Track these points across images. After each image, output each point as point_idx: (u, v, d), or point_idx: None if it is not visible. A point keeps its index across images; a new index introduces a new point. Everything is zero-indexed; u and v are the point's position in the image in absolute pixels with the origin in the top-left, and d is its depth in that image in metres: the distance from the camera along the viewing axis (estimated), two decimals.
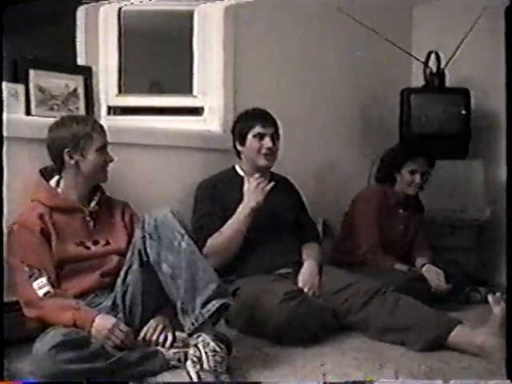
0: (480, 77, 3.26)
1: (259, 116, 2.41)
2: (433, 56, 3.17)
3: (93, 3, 2.50)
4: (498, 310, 1.88)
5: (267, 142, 2.38)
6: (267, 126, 2.39)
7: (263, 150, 2.38)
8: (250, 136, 2.39)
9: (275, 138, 2.41)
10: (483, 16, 2.99)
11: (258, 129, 2.38)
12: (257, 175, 2.29)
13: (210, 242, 2.26)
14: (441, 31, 3.38)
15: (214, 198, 2.38)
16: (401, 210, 2.81)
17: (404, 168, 2.74)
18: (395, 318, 2.04)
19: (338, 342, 2.04)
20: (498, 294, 1.95)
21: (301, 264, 2.36)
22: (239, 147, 2.45)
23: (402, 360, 1.87)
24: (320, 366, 1.79)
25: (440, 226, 3.05)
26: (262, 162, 2.40)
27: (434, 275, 2.59)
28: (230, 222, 2.27)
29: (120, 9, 2.63)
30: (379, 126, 3.26)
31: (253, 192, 2.24)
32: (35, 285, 1.77)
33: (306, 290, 2.22)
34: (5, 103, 1.93)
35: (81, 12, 2.52)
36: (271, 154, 2.40)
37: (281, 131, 2.46)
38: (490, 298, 1.91)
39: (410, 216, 2.85)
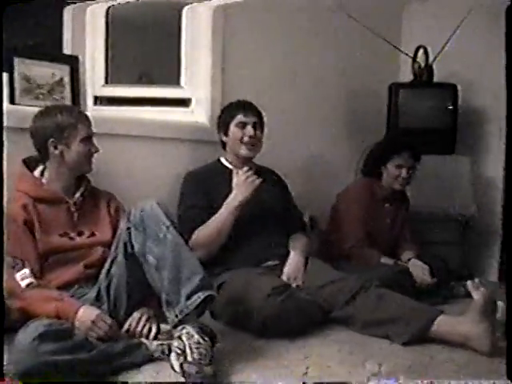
0: (468, 72, 3.27)
1: (241, 106, 2.44)
2: (421, 51, 3.17)
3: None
4: (477, 295, 1.88)
5: (249, 130, 2.39)
6: (249, 114, 2.41)
7: (245, 139, 2.40)
8: (232, 125, 2.42)
9: (257, 127, 2.43)
10: (472, 12, 2.99)
11: (239, 117, 2.41)
12: (246, 168, 2.29)
13: (196, 233, 2.25)
14: (430, 26, 3.38)
15: (200, 190, 2.37)
16: (387, 204, 2.82)
17: (390, 162, 2.75)
18: (379, 312, 2.04)
19: (323, 335, 2.03)
20: (476, 279, 1.95)
21: (288, 256, 2.35)
22: (223, 138, 2.46)
23: (386, 353, 1.87)
24: (304, 359, 1.79)
25: (426, 220, 3.06)
26: (244, 151, 2.41)
27: (419, 270, 2.60)
28: (217, 214, 2.26)
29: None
30: (367, 120, 3.26)
31: (241, 185, 2.24)
32: (18, 276, 1.76)
33: (290, 281, 2.22)
34: None
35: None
36: (253, 143, 2.41)
37: (267, 124, 2.47)
38: (469, 284, 1.92)
39: (397, 210, 2.85)
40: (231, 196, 2.26)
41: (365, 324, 2.06)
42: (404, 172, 2.73)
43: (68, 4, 2.47)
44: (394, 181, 2.76)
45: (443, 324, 1.93)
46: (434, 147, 3.08)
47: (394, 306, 2.04)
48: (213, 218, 2.26)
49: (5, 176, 1.86)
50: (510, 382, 1.54)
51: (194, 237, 2.23)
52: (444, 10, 3.33)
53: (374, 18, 3.18)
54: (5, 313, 1.65)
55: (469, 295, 2.08)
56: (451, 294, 2.69)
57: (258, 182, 2.25)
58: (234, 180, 2.27)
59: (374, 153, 2.84)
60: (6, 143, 1.90)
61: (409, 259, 2.69)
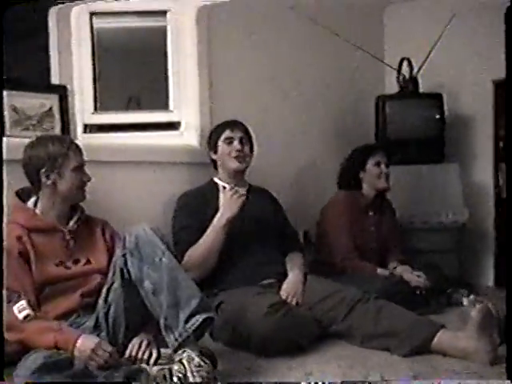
0: (452, 81, 3.31)
1: (227, 123, 2.51)
2: (405, 63, 3.21)
3: (65, 6, 2.48)
4: (474, 312, 1.89)
5: (236, 144, 2.46)
6: (235, 130, 2.48)
7: (233, 153, 2.45)
8: (220, 142, 2.48)
9: (244, 141, 2.49)
10: (453, 21, 3.04)
11: (227, 133, 2.48)
12: (231, 186, 2.32)
13: (187, 255, 2.26)
14: (412, 38, 3.43)
15: (193, 211, 2.39)
16: (371, 213, 2.84)
17: (368, 164, 2.80)
18: (379, 325, 2.06)
19: (322, 350, 2.04)
20: (471, 296, 1.96)
21: (284, 274, 2.37)
22: (213, 156, 2.52)
23: (387, 365, 1.88)
24: (305, 376, 1.80)
25: (419, 229, 3.08)
26: (233, 164, 2.46)
27: (410, 274, 2.61)
28: (206, 233, 2.28)
29: (92, 26, 2.62)
30: (356, 133, 3.27)
31: (228, 203, 2.27)
32: (15, 308, 1.75)
33: (289, 299, 2.23)
34: None
35: (52, 30, 2.52)
36: (242, 156, 2.46)
37: (257, 141, 2.53)
38: (465, 301, 1.93)
39: (381, 218, 2.87)
40: (218, 215, 2.28)
41: (365, 337, 2.07)
42: (383, 167, 2.78)
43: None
44: (377, 180, 2.79)
45: (443, 338, 1.95)
46: (424, 157, 3.12)
47: (394, 318, 2.06)
48: (202, 237, 2.28)
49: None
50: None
51: (186, 258, 2.23)
52: (424, 21, 3.38)
53: (357, 32, 3.23)
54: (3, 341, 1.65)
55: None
56: (448, 302, 2.71)
57: (243, 198, 2.27)
58: (221, 198, 2.30)
59: (349, 162, 2.88)
60: None
61: (394, 267, 2.72)
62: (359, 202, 2.81)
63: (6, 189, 1.96)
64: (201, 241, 2.28)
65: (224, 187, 2.34)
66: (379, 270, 2.66)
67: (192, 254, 2.26)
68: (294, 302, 2.23)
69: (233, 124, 2.50)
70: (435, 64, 3.17)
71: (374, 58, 3.22)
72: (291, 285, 2.30)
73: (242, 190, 2.31)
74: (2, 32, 1.71)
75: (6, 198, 1.95)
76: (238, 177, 2.50)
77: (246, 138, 2.50)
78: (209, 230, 2.28)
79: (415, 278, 2.60)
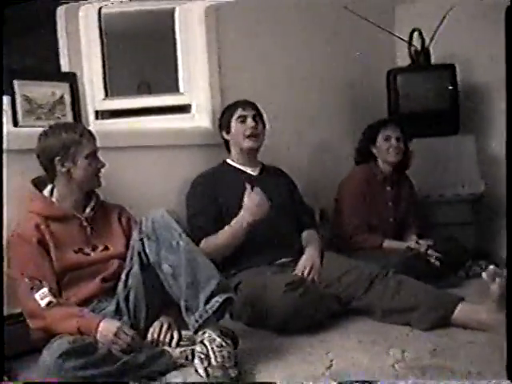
0: (465, 51, 3.25)
1: (239, 102, 2.51)
2: (416, 34, 3.16)
3: (71, 2, 2.48)
4: (494, 285, 1.88)
5: (249, 122, 2.45)
6: (248, 108, 2.48)
7: (247, 132, 2.45)
8: (233, 121, 2.48)
9: (258, 119, 2.48)
10: None
11: (239, 112, 2.47)
12: (258, 189, 2.25)
13: (204, 243, 2.25)
14: (423, 8, 3.37)
15: (207, 194, 2.39)
16: (388, 188, 2.82)
17: (378, 138, 2.79)
18: (399, 300, 2.06)
19: (343, 327, 2.05)
20: (491, 267, 1.94)
21: (301, 252, 2.37)
22: (226, 136, 2.51)
23: (408, 340, 1.88)
24: (326, 352, 1.80)
25: (436, 202, 3.06)
26: (247, 143, 2.46)
27: (426, 250, 2.60)
28: (226, 230, 2.26)
29: (100, 11, 2.61)
30: (369, 108, 3.24)
31: (252, 207, 2.22)
32: (37, 296, 1.77)
33: (305, 274, 2.23)
34: None
35: (60, 17, 2.51)
36: (255, 135, 2.46)
37: (269, 122, 2.52)
38: (484, 275, 1.92)
39: (399, 193, 2.85)
40: (241, 215, 2.23)
41: (385, 312, 2.07)
42: (393, 141, 2.76)
43: (61, 3, 2.45)
44: (387, 154, 2.77)
45: (463, 311, 1.95)
46: (438, 129, 3.09)
47: (414, 293, 2.06)
48: (221, 232, 2.26)
49: (12, 198, 1.90)
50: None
51: (202, 245, 2.22)
52: None
53: (367, 5, 3.18)
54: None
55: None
56: (467, 274, 2.70)
57: (268, 205, 2.23)
58: (246, 198, 2.24)
59: (363, 139, 2.87)
60: (13, 165, 1.94)
61: (415, 241, 2.70)
62: (376, 177, 2.80)
63: (22, 179, 2.00)
64: (219, 234, 2.27)
65: (251, 187, 2.26)
66: (386, 243, 2.65)
67: (208, 245, 2.24)
68: (310, 278, 2.23)
69: (245, 103, 2.49)
70: (447, 34, 3.12)
71: (384, 30, 3.16)
72: (307, 261, 2.30)
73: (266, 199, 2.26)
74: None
75: (22, 187, 1.98)
76: (251, 156, 2.50)
77: (259, 117, 2.50)
78: (229, 228, 2.25)
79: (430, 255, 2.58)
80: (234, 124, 2.47)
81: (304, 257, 2.33)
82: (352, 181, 2.79)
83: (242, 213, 2.24)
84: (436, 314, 1.97)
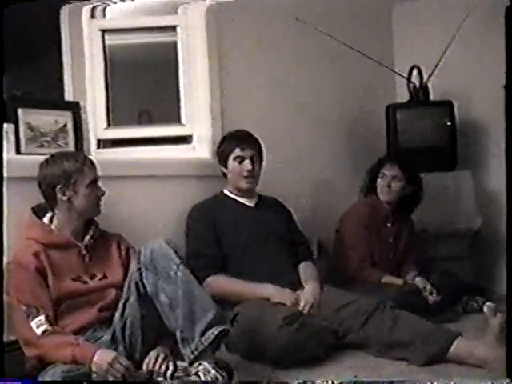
0: (463, 87, 3.30)
1: (239, 138, 2.47)
2: (415, 71, 3.22)
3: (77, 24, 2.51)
4: (495, 321, 1.88)
5: (247, 164, 2.43)
6: (246, 148, 2.44)
7: (244, 173, 2.43)
8: (230, 159, 2.46)
9: (255, 160, 2.46)
10: (462, 28, 3.04)
11: (237, 152, 2.44)
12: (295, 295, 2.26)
13: (217, 284, 2.25)
14: (422, 45, 3.43)
15: (206, 222, 2.40)
16: (389, 224, 2.83)
17: (379, 176, 2.81)
18: (396, 335, 2.05)
19: (339, 361, 2.04)
20: (492, 304, 1.94)
21: (297, 284, 2.37)
22: (223, 169, 2.51)
23: (404, 375, 1.88)
24: None
25: (433, 237, 3.07)
26: (244, 184, 2.45)
27: (424, 286, 2.60)
28: (248, 286, 2.26)
29: (104, 43, 2.66)
30: (368, 142, 3.29)
31: (281, 294, 2.24)
32: (33, 324, 1.77)
33: (305, 310, 2.22)
34: None
35: (66, 47, 2.56)
36: (252, 176, 2.45)
37: (269, 152, 2.53)
38: (485, 309, 1.92)
39: (400, 230, 2.87)
40: (267, 286, 2.25)
41: (381, 346, 2.06)
42: (387, 180, 2.77)
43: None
44: (381, 193, 2.79)
45: (460, 347, 1.94)
46: (436, 164, 3.12)
47: (411, 327, 2.06)
48: (241, 284, 2.26)
49: (12, 225, 1.90)
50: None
51: (212, 283, 2.23)
52: (434, 28, 3.39)
53: (367, 41, 3.24)
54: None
55: (481, 310, 2.08)
56: (463, 309, 2.70)
57: (294, 297, 2.24)
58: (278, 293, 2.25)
59: (366, 174, 2.90)
60: (14, 192, 1.95)
61: (413, 279, 2.70)
62: (378, 213, 2.81)
63: (23, 206, 2.01)
64: (237, 285, 2.27)
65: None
66: (384, 278, 2.65)
67: (215, 286, 2.23)
68: (308, 312, 2.21)
69: (243, 140, 2.46)
70: (445, 71, 3.17)
71: (384, 67, 3.22)
72: (309, 297, 2.28)
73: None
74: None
75: (22, 214, 1.99)
76: (248, 192, 2.51)
77: (257, 155, 2.47)
78: (250, 287, 2.25)
79: (425, 294, 2.58)
80: (231, 162, 2.46)
81: (305, 291, 2.31)
82: (357, 214, 2.80)
83: (270, 287, 2.24)
84: (432, 349, 1.96)
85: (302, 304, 2.25)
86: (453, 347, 1.95)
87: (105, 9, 2.69)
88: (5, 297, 1.86)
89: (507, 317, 1.65)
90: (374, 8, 3.49)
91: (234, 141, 2.47)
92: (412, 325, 2.07)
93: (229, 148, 2.47)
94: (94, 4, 2.60)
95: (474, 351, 1.91)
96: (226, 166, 2.49)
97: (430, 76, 3.18)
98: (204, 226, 2.39)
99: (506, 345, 1.65)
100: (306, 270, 2.47)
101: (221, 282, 2.27)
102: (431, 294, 2.57)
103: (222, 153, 2.50)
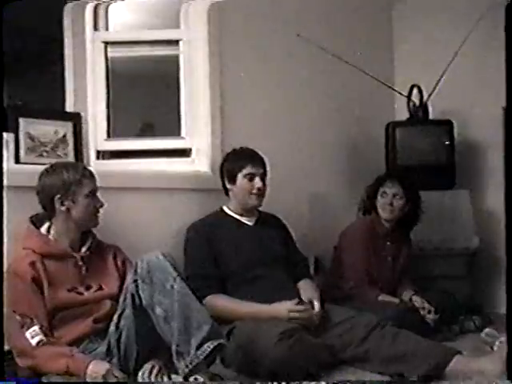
0: (462, 107, 3.32)
1: (249, 156, 2.45)
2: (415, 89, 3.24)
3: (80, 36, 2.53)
4: (498, 348, 1.88)
5: (257, 182, 2.41)
6: (257, 166, 2.43)
7: (254, 191, 2.42)
8: (240, 176, 2.42)
9: (265, 178, 2.46)
10: (462, 48, 3.07)
11: (248, 169, 2.41)
12: (302, 307, 2.22)
13: (220, 303, 2.23)
14: (422, 64, 3.46)
15: (205, 242, 2.37)
16: (388, 243, 2.82)
17: (378, 194, 2.80)
18: (395, 350, 2.06)
19: (334, 377, 2.02)
20: (490, 330, 1.94)
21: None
22: (229, 186, 2.47)
23: None
24: None
25: (430, 256, 3.07)
26: (253, 201, 2.44)
27: (421, 305, 2.60)
28: (252, 307, 2.23)
29: (106, 56, 2.68)
30: (367, 160, 3.30)
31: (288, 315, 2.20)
32: (28, 334, 1.77)
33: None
34: None
35: (68, 58, 2.58)
36: (261, 193, 2.44)
37: (269, 169, 2.50)
38: (483, 335, 1.92)
39: (399, 248, 2.86)
40: (272, 307, 2.20)
41: (381, 361, 2.06)
42: (389, 198, 2.76)
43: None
44: (382, 211, 2.78)
45: (459, 363, 1.95)
46: (434, 183, 3.11)
47: (411, 344, 2.06)
48: (244, 304, 2.23)
49: (9, 234, 1.90)
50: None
51: (213, 302, 2.20)
52: (435, 47, 3.41)
53: (367, 59, 3.26)
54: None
55: (479, 329, 2.08)
56: (460, 329, 2.68)
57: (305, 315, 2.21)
58: (286, 308, 2.20)
59: (366, 192, 2.88)
60: (13, 202, 1.95)
61: (410, 298, 2.69)
62: (378, 230, 2.81)
63: (20, 215, 2.00)
64: (241, 304, 2.24)
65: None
66: (381, 297, 2.64)
67: (213, 304, 2.20)
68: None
69: (254, 159, 2.44)
70: (445, 90, 3.19)
71: (383, 84, 3.24)
72: (315, 316, 2.24)
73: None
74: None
75: (20, 223, 1.99)
76: (252, 209, 2.49)
77: (265, 174, 2.46)
78: (255, 307, 2.22)
79: (423, 312, 2.57)
80: (240, 179, 2.42)
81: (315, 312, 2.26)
82: (356, 231, 2.79)
83: (275, 307, 2.20)
84: (431, 363, 1.96)
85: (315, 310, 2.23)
86: (452, 363, 1.95)
87: (108, 21, 2.71)
88: None
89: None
90: (376, 26, 3.53)
91: (245, 158, 2.44)
92: (411, 342, 2.08)
93: (239, 165, 2.43)
94: (95, 3, 2.62)
95: (473, 366, 1.91)
96: (232, 183, 2.46)
97: (430, 95, 3.19)
98: (202, 246, 2.37)
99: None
100: (306, 287, 2.45)
101: (223, 301, 2.25)
102: (429, 312, 2.56)
103: (230, 169, 2.46)
